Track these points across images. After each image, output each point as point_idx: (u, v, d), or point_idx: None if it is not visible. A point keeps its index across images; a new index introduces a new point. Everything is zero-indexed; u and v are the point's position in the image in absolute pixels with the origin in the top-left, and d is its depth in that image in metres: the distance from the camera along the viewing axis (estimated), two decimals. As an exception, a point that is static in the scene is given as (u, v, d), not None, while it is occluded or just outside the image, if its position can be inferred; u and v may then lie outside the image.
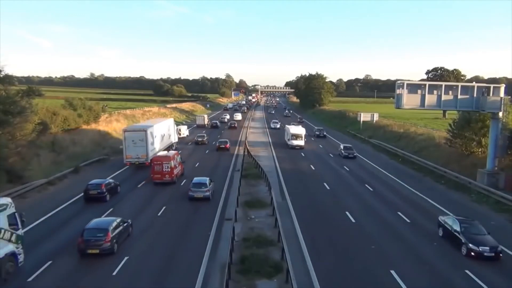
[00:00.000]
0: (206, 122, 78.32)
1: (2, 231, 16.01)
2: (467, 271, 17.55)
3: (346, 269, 17.67)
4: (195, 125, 77.83)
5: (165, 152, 37.01)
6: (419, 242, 20.99)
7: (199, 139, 54.89)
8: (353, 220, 24.30)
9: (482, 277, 16.92)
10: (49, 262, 17.37)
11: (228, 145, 50.98)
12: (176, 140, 51.06)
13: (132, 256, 18.31)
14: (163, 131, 44.01)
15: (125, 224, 20.23)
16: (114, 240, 18.49)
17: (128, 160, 37.02)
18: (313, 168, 40.36)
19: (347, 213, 25.51)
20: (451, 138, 41.44)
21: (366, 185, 33.47)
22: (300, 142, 52.90)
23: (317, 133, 67.99)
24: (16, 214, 17.18)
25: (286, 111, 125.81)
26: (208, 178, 29.16)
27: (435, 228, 23.04)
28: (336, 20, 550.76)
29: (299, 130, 55.93)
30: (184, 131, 61.26)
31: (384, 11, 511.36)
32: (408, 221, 24.49)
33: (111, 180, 29.04)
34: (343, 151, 47.40)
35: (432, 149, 45.22)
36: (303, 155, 48.48)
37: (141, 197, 28.40)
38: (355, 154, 46.73)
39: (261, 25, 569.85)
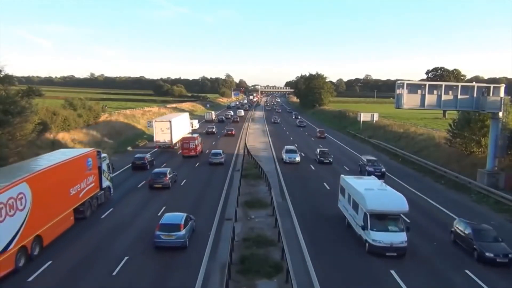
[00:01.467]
0: (213, 118, 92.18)
1: (105, 172, 27.09)
2: (467, 271, 17.55)
3: (346, 269, 17.66)
4: (204, 120, 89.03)
5: (190, 135, 50.32)
6: (419, 242, 20.97)
7: (209, 130, 68.29)
8: (353, 220, 24.28)
9: (483, 278, 16.91)
10: (49, 262, 17.37)
11: (234, 131, 66.68)
12: (190, 130, 59.53)
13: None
14: (181, 122, 54.53)
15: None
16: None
17: (157, 144, 47.73)
18: (313, 168, 40.35)
19: (347, 213, 25.50)
20: (451, 138, 41.48)
21: (366, 185, 33.40)
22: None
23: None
24: (110, 163, 28.81)
25: (298, 121, 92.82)
26: (221, 151, 42.33)
27: (435, 228, 23.11)
28: (336, 20, 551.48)
29: None
30: (196, 124, 71.37)
31: (384, 11, 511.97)
32: (408, 221, 24.43)
33: (149, 155, 39.99)
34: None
35: (432, 149, 45.25)
36: (303, 155, 48.45)
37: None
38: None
39: (261, 25, 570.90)
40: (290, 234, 21.29)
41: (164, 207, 25.23)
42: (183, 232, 19.09)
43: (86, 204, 23.59)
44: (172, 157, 44.58)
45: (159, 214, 22.99)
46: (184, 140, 45.44)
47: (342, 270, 17.59)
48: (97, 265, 17.33)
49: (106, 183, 27.14)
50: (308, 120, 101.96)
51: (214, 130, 69.12)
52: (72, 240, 20.06)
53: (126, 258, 17.92)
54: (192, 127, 64.51)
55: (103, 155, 27.15)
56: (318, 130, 70.36)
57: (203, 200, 27.73)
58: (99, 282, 15.91)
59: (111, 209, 25.32)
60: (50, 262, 17.45)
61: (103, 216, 24.10)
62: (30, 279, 15.96)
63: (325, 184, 33.33)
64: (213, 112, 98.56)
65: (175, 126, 48.86)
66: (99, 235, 20.88)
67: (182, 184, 32.16)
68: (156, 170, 32.44)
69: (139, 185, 31.40)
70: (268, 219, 23.76)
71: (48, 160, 21.85)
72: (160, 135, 47.41)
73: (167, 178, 30.36)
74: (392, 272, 17.19)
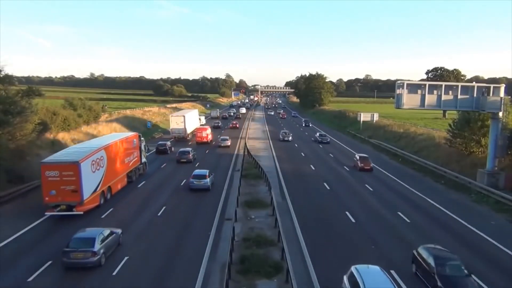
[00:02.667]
0: (218, 115, 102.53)
1: (143, 151, 35.46)
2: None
3: (346, 269, 17.61)
4: (209, 117, 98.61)
5: (202, 127, 60.30)
6: (419, 242, 20.91)
7: (215, 125, 76.88)
8: (353, 220, 24.30)
9: (482, 277, 16.83)
10: (49, 262, 17.34)
11: (238, 124, 79.90)
12: (199, 125, 66.30)
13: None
14: (193, 117, 63.98)
15: None
16: None
17: (173, 134, 57.40)
18: (313, 168, 40.35)
19: (347, 213, 25.51)
20: (451, 138, 41.46)
21: (366, 185, 33.46)
22: None
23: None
24: (146, 145, 38.61)
25: (318, 135, 62.46)
26: (228, 137, 55.43)
27: (434, 228, 23.11)
28: (336, 20, 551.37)
29: None
30: (203, 120, 79.28)
31: (384, 11, 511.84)
32: (408, 221, 24.48)
33: (169, 143, 48.42)
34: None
35: (432, 149, 45.24)
36: (303, 155, 48.49)
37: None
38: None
39: (261, 25, 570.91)
40: (290, 234, 21.28)
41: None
42: (207, 180, 30.22)
43: (132, 171, 32.68)
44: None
45: (182, 184, 31.89)
46: (198, 130, 57.12)
47: (342, 269, 17.55)
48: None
49: (143, 159, 35.83)
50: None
51: (219, 124, 78.92)
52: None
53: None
54: (200, 122, 71.68)
55: (142, 138, 36.28)
56: (357, 158, 41.09)
57: (204, 199, 27.74)
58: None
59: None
60: (50, 262, 17.41)
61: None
62: (30, 279, 15.94)
63: (325, 184, 33.34)
64: (218, 110, 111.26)
65: (188, 120, 58.41)
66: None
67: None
68: (182, 149, 42.47)
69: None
70: (268, 219, 23.76)
71: (111, 138, 31.91)
72: (175, 128, 57.30)
73: (190, 155, 40.86)
74: (392, 272, 17.10)
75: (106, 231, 18.29)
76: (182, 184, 31.87)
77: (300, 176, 36.39)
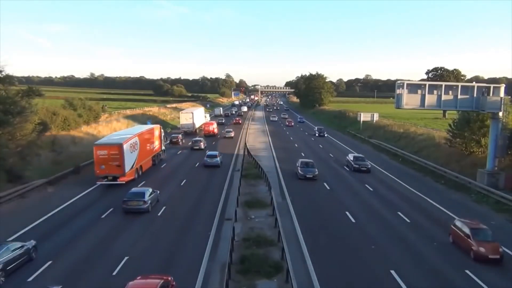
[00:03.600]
0: (221, 113, 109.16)
1: (163, 140, 42.70)
2: (467, 271, 17.55)
3: (346, 269, 17.67)
4: (213, 115, 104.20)
5: (209, 121, 72.23)
6: (419, 242, 20.99)
7: (219, 121, 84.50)
8: (353, 220, 24.30)
9: (483, 278, 16.90)
10: (49, 262, 17.37)
11: (240, 120, 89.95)
12: (205, 121, 73.85)
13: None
14: (199, 114, 72.41)
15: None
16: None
17: (183, 129, 63.66)
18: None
19: (347, 213, 25.51)
20: (451, 138, 41.46)
21: (366, 185, 33.46)
22: None
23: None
24: (165, 135, 45.30)
25: (353, 158, 41.22)
26: (231, 129, 65.22)
27: (435, 228, 23.10)
28: (336, 20, 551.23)
29: None
30: (208, 117, 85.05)
31: (384, 11, 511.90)
32: (408, 221, 24.48)
33: (181, 135, 56.13)
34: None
35: (432, 149, 45.22)
36: (303, 155, 48.47)
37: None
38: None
39: (261, 25, 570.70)
40: (290, 234, 21.28)
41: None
42: (218, 159, 38.80)
43: (155, 156, 39.91)
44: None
45: (196, 165, 39.75)
46: (205, 125, 66.63)
47: (342, 269, 17.60)
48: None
49: (163, 147, 43.11)
50: (308, 120, 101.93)
51: (223, 121, 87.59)
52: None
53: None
54: (205, 119, 78.16)
55: (162, 130, 43.61)
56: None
57: (203, 200, 27.74)
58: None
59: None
60: (50, 262, 17.43)
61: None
62: (30, 279, 15.96)
63: (325, 184, 33.33)
64: (221, 108, 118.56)
65: (196, 116, 66.71)
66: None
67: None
68: (195, 138, 52.16)
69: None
70: (268, 219, 23.76)
71: (141, 128, 40.28)
72: (185, 124, 64.88)
73: (202, 144, 49.47)
74: (392, 272, 17.19)
75: (151, 189, 25.84)
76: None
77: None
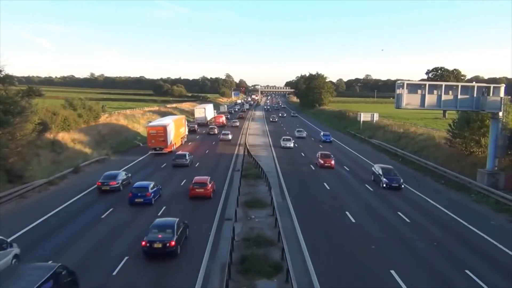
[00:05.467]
0: (226, 110, 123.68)
1: (186, 127, 60.19)
2: (467, 271, 17.56)
3: (346, 269, 17.66)
4: (219, 112, 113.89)
5: (219, 114, 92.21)
6: (419, 242, 20.99)
7: (225, 117, 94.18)
8: (353, 220, 24.30)
9: (483, 278, 16.91)
10: (49, 262, 17.30)
11: (243, 115, 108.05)
12: (214, 115, 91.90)
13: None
14: (210, 109, 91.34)
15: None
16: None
17: (197, 121, 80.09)
18: (313, 168, 40.35)
19: (347, 213, 25.51)
20: (451, 138, 41.43)
21: (366, 185, 33.46)
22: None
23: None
24: (187, 124, 63.25)
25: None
26: (237, 120, 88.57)
27: (435, 228, 23.10)
28: (336, 20, 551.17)
29: None
30: (215, 113, 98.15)
31: (384, 11, 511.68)
32: (408, 221, 24.48)
33: (196, 125, 73.82)
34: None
35: (432, 149, 45.20)
36: (303, 155, 48.50)
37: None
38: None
39: (261, 25, 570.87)
40: (290, 234, 21.28)
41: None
42: (230, 136, 58.88)
43: (182, 137, 54.98)
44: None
45: (214, 143, 56.55)
46: (216, 117, 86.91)
47: (342, 269, 17.60)
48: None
49: (186, 132, 59.00)
50: (308, 120, 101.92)
51: (228, 116, 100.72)
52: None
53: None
54: (214, 114, 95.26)
55: (186, 119, 60.68)
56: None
57: (202, 201, 27.71)
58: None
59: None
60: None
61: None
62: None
63: (325, 184, 33.34)
64: (226, 106, 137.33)
65: (207, 111, 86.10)
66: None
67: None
68: (211, 126, 72.15)
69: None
70: (268, 219, 23.76)
71: (174, 117, 55.92)
72: (199, 116, 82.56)
73: (216, 130, 68.41)
74: (392, 272, 17.19)
75: (189, 155, 40.35)
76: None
77: (300, 176, 36.40)
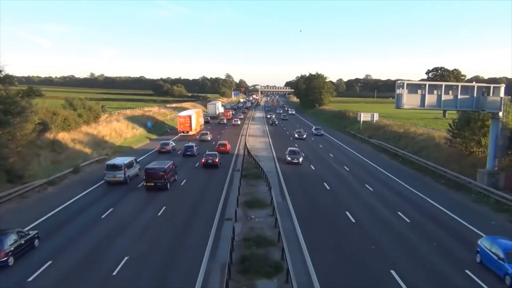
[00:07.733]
0: (230, 108, 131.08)
1: (202, 117, 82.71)
2: (467, 271, 17.55)
3: (346, 269, 17.67)
4: (224, 108, 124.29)
5: (227, 109, 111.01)
6: (419, 242, 20.99)
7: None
8: (353, 220, 24.30)
9: (483, 278, 16.91)
10: (49, 262, 17.36)
11: (246, 111, 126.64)
12: (223, 111, 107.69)
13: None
14: (219, 105, 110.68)
15: None
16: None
17: (208, 115, 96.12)
18: (313, 168, 40.36)
19: (347, 213, 25.52)
20: (451, 138, 41.41)
21: (366, 185, 33.48)
22: None
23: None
24: (204, 116, 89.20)
25: None
26: (241, 114, 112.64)
27: (435, 228, 23.09)
28: (336, 20, 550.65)
29: None
30: (223, 108, 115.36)
31: (384, 11, 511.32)
32: (408, 221, 24.49)
33: (209, 118, 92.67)
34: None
35: (432, 149, 45.19)
36: (303, 155, 48.46)
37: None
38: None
39: (261, 25, 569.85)
40: (290, 234, 21.29)
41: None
42: (239, 121, 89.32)
43: (201, 125, 74.45)
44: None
45: (223, 131, 72.28)
46: (225, 112, 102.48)
47: (342, 269, 17.60)
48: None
49: (202, 122, 77.80)
50: (308, 120, 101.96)
51: (233, 112, 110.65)
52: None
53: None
54: (222, 109, 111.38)
55: (203, 112, 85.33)
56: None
57: (202, 201, 27.76)
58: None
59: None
60: (50, 262, 17.43)
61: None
62: (30, 279, 15.94)
63: (325, 184, 33.35)
64: (230, 104, 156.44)
65: (217, 106, 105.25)
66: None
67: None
68: (220, 117, 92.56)
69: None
70: (268, 219, 23.76)
71: (194, 110, 78.26)
72: (211, 111, 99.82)
73: (225, 120, 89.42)
74: (392, 272, 17.20)
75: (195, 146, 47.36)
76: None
77: (300, 176, 36.41)
